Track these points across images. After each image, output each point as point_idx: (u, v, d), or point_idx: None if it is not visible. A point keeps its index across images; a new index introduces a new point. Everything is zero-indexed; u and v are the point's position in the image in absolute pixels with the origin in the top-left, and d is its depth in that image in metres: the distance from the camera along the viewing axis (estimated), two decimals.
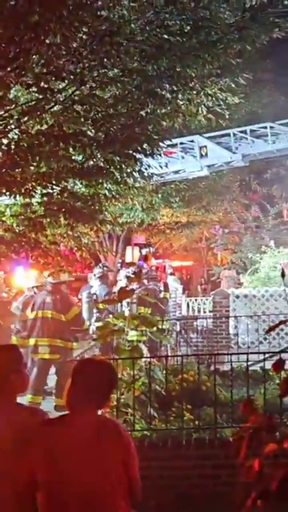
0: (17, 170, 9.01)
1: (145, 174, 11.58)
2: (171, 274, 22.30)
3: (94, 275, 15.64)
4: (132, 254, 28.64)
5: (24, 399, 11.45)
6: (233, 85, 11.59)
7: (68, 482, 3.91)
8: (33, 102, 8.74)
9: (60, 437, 4.05)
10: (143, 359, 8.97)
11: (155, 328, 9.95)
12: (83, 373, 4.24)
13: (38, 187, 9.67)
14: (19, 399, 4.50)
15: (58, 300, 12.42)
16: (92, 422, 4.11)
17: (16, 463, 4.00)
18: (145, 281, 15.09)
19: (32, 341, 12.39)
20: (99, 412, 4.45)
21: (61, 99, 8.84)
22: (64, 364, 11.05)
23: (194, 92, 10.35)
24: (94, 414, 4.20)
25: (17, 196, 9.45)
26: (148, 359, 8.84)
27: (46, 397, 12.58)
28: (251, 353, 9.00)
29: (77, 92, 8.89)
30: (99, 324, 11.38)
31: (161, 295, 15.73)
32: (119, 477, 3.99)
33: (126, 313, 10.49)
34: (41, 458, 3.99)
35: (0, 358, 4.44)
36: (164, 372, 8.57)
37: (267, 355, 9.27)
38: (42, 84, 8.26)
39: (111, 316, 11.87)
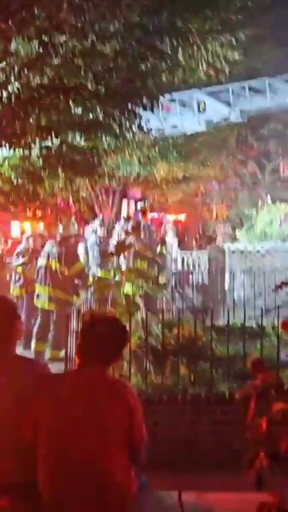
0: (17, 122, 8.98)
1: (144, 128, 11.54)
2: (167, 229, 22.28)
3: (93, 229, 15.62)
4: (128, 208, 28.57)
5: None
6: (233, 41, 11.50)
7: (68, 438, 3.92)
8: (34, 55, 8.67)
9: (65, 392, 4.05)
10: (140, 313, 9.02)
11: (151, 283, 10.01)
12: (94, 330, 4.19)
13: (38, 140, 9.63)
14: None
15: (63, 253, 12.48)
16: (99, 380, 4.10)
17: (19, 413, 4.01)
18: (142, 235, 15.11)
19: (35, 289, 12.49)
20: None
21: (62, 52, 8.77)
22: (61, 317, 11.03)
23: (195, 47, 10.29)
24: (102, 372, 4.17)
25: (17, 148, 9.43)
26: (145, 313, 8.88)
27: None
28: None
29: (78, 46, 8.82)
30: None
31: (158, 250, 15.76)
32: (119, 439, 3.98)
33: (123, 267, 10.55)
34: (44, 410, 3.99)
35: (7, 306, 4.49)
36: (160, 326, 8.59)
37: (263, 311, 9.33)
38: (43, 37, 8.20)
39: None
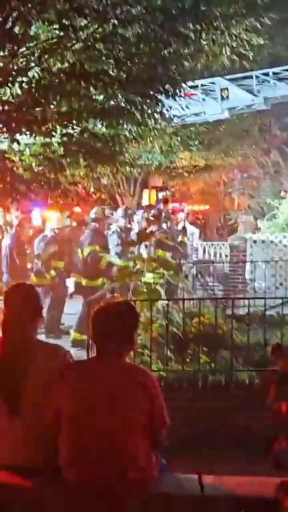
0: (37, 109, 8.93)
1: (166, 115, 11.44)
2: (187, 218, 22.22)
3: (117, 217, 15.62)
4: (149, 196, 28.55)
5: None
6: (258, 25, 11.35)
7: (90, 425, 3.95)
8: (55, 40, 8.61)
9: (85, 379, 4.08)
10: (161, 301, 9.00)
11: (172, 271, 9.96)
12: (102, 317, 4.22)
13: (58, 127, 9.58)
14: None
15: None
16: (117, 367, 4.12)
17: (42, 400, 4.06)
18: (164, 224, 15.05)
19: (84, 281, 12.59)
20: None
21: (83, 37, 8.71)
22: (87, 301, 11.07)
23: (218, 32, 10.15)
24: (120, 358, 4.19)
25: (37, 135, 9.38)
26: (166, 302, 8.87)
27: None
28: (269, 298, 9.01)
29: (99, 30, 8.75)
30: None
31: (179, 239, 15.71)
32: (140, 425, 3.99)
33: (144, 256, 10.49)
34: (66, 397, 4.03)
35: (31, 293, 4.54)
36: (181, 314, 8.60)
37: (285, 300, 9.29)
38: (64, 21, 8.12)
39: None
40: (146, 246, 12.31)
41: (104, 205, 20.57)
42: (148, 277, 9.62)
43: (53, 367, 4.16)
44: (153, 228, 13.32)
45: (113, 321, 4.18)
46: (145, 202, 27.10)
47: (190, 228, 20.36)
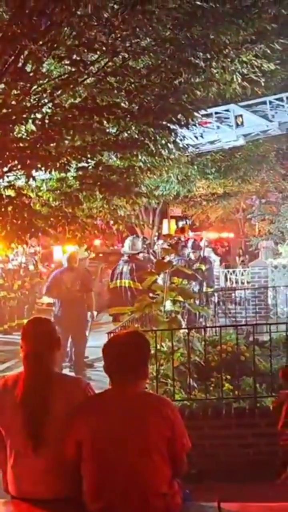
0: (51, 144, 8.99)
1: (180, 145, 11.48)
2: (207, 246, 22.23)
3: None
4: (168, 226, 28.60)
5: None
6: (268, 51, 11.37)
7: (112, 455, 3.96)
8: (66, 75, 8.69)
9: (105, 410, 4.10)
10: (182, 330, 8.98)
11: (192, 300, 9.94)
12: (116, 349, 4.26)
13: (73, 161, 9.64)
14: None
15: (134, 270, 12.49)
16: (134, 397, 4.14)
17: (63, 434, 4.09)
18: (181, 253, 15.07)
19: (112, 310, 12.50)
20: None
21: (94, 71, 8.78)
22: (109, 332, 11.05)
23: (229, 59, 10.19)
24: (138, 388, 4.21)
25: (53, 170, 9.45)
26: (187, 330, 8.84)
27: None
28: None
29: (110, 64, 8.82)
30: None
31: (197, 266, 15.70)
32: (162, 453, 4.00)
33: (162, 285, 10.47)
34: (85, 432, 4.04)
35: (50, 327, 4.63)
36: (203, 342, 8.57)
37: None
38: (74, 56, 8.22)
39: None
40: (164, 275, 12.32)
41: (124, 237, 20.66)
42: (168, 306, 9.59)
43: (74, 400, 4.21)
44: (171, 257, 13.33)
45: (127, 351, 4.20)
46: (165, 231, 27.15)
47: (211, 256, 20.35)
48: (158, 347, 8.20)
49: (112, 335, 4.53)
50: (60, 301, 13.42)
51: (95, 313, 14.86)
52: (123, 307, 12.10)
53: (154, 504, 3.93)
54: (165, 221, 28.87)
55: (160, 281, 10.11)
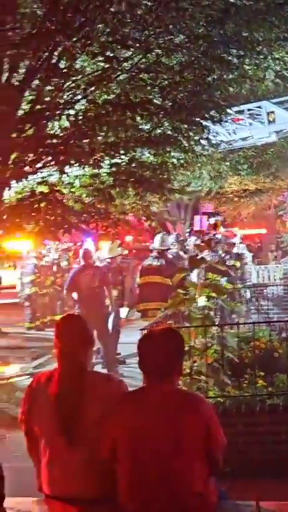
0: (85, 140, 9.04)
1: (213, 141, 11.47)
2: (240, 242, 22.17)
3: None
4: (200, 222, 28.54)
5: None
6: None
7: (147, 454, 3.92)
8: (99, 72, 8.72)
9: (139, 409, 4.06)
10: (215, 327, 8.95)
11: (225, 296, 9.91)
12: (150, 346, 4.20)
13: (106, 157, 9.67)
14: None
15: (163, 265, 12.50)
16: (169, 395, 4.08)
17: (97, 431, 4.05)
18: (214, 249, 15.03)
19: (140, 306, 12.50)
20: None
21: (127, 67, 8.81)
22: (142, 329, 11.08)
23: (261, 56, 10.19)
24: (171, 385, 4.14)
25: (86, 166, 9.48)
26: (220, 327, 8.82)
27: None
28: None
29: (143, 60, 8.85)
30: None
31: (231, 263, 15.66)
32: (197, 450, 3.95)
33: (195, 281, 10.46)
34: (121, 431, 4.01)
35: (84, 323, 4.56)
36: (236, 339, 8.53)
37: None
38: (108, 53, 8.25)
39: None
40: (198, 272, 12.31)
41: (156, 233, 20.71)
42: (201, 302, 9.56)
43: (107, 398, 4.16)
44: (203, 253, 13.30)
45: (163, 348, 4.14)
46: (196, 228, 27.10)
47: (243, 252, 20.30)
48: (192, 343, 8.18)
49: (145, 331, 4.46)
50: (79, 299, 13.38)
51: (126, 309, 14.87)
52: (151, 303, 12.14)
53: (190, 504, 3.88)
54: (196, 217, 28.79)
55: (194, 277, 10.09)
